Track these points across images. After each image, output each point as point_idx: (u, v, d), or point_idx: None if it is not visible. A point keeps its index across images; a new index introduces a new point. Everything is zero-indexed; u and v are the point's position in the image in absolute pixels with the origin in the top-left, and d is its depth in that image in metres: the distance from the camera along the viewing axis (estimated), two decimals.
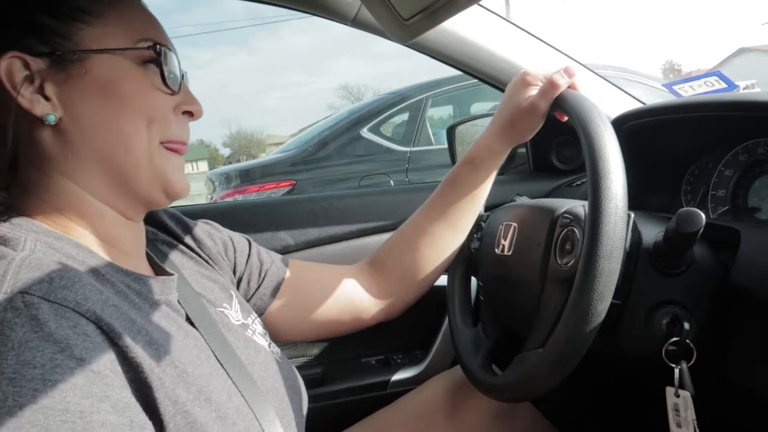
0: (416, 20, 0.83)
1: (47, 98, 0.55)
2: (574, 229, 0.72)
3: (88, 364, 0.42)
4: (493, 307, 0.90)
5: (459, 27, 1.00)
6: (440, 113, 4.57)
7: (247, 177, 3.82)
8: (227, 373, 0.57)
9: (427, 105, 3.91)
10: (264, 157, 5.62)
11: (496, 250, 0.86)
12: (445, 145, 4.15)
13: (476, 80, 3.46)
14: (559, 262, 0.72)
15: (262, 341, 0.71)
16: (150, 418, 0.46)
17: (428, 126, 3.90)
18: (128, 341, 0.46)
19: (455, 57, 1.02)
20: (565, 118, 0.79)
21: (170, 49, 0.61)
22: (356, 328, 0.90)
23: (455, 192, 0.88)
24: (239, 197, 3.61)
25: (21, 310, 0.41)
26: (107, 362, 0.44)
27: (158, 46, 0.59)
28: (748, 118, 0.86)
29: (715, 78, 1.06)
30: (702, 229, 0.66)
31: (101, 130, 0.56)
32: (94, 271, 0.52)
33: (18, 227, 0.52)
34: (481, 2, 0.96)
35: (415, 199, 1.31)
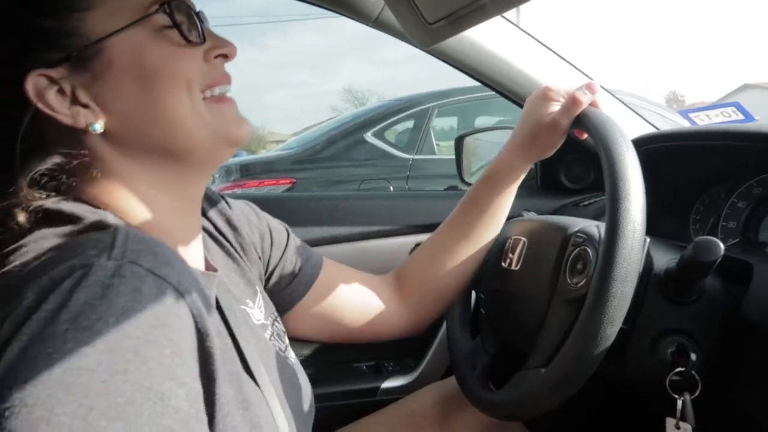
0: (440, 25, 0.82)
1: (84, 105, 0.52)
2: (588, 249, 0.70)
3: (177, 345, 0.42)
4: (495, 322, 0.88)
5: (479, 35, 0.99)
6: (444, 124, 4.57)
7: (246, 171, 3.80)
8: (254, 380, 0.56)
9: (433, 114, 3.91)
10: (265, 153, 5.60)
11: (503, 263, 0.85)
12: (448, 156, 4.15)
13: (483, 94, 3.46)
14: (569, 282, 0.70)
15: (280, 344, 0.69)
16: (207, 413, 0.45)
17: (432, 135, 3.90)
18: (209, 328, 0.45)
19: (473, 65, 1.01)
20: (585, 136, 0.78)
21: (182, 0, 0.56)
22: (376, 339, 0.89)
23: (476, 209, 0.87)
24: (238, 191, 3.59)
25: (127, 278, 0.41)
26: (191, 347, 0.43)
27: (166, 5, 0.54)
28: (765, 150, 0.85)
29: (733, 109, 1.05)
30: (719, 260, 0.64)
31: (145, 116, 0.53)
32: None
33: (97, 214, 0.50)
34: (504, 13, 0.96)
35: (418, 207, 1.31)
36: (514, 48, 1.02)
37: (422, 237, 1.24)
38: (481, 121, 4.80)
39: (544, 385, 0.66)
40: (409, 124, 3.97)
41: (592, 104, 0.77)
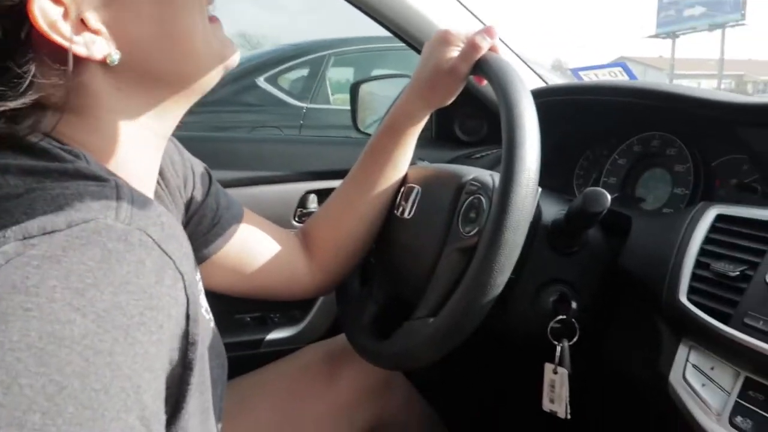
0: None
1: (94, 32, 0.43)
2: (481, 197, 0.69)
3: (164, 333, 0.37)
4: (384, 272, 0.86)
5: None
6: (341, 75, 4.46)
7: None
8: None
9: (329, 63, 3.80)
10: None
11: (395, 212, 0.83)
12: (343, 106, 4.10)
13: (380, 45, 3.42)
14: (462, 230, 0.69)
15: (203, 303, 0.62)
16: (174, 405, 0.40)
17: (328, 85, 3.80)
18: (197, 313, 0.40)
19: (372, 5, 0.95)
20: (484, 83, 0.77)
21: None
22: (288, 298, 0.84)
23: (376, 162, 0.83)
24: None
25: (135, 247, 0.36)
26: (178, 337, 0.39)
27: None
28: (648, 108, 0.88)
29: (619, 69, 1.08)
30: (605, 211, 0.66)
31: (161, 42, 0.47)
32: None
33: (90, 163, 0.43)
34: None
35: (310, 153, 1.25)
36: None
37: (314, 184, 1.19)
38: (378, 73, 4.75)
39: (431, 334, 0.65)
40: (304, 71, 3.83)
41: (492, 49, 0.75)
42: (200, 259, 0.73)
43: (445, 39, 0.77)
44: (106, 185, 0.40)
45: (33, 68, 0.42)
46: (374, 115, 1.70)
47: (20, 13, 0.40)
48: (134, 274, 0.36)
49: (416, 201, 0.79)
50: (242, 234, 0.77)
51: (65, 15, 0.42)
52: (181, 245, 0.41)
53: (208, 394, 0.48)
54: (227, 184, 1.14)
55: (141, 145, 0.51)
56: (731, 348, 0.53)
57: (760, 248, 0.57)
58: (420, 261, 0.76)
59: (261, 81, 3.61)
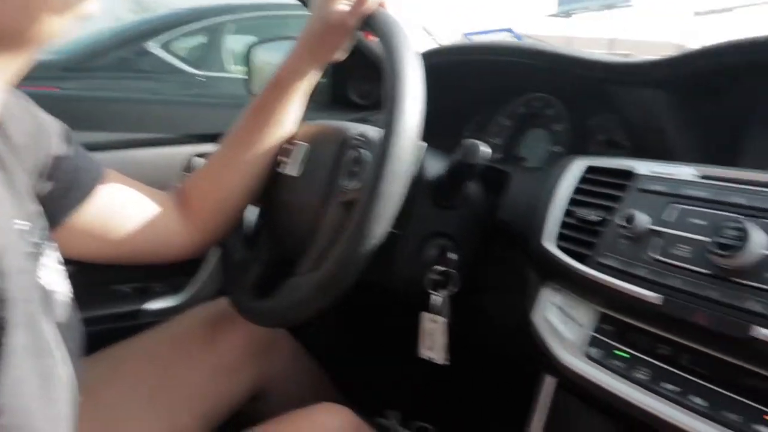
0: None
1: None
2: (363, 150, 0.69)
3: None
4: (269, 232, 0.85)
5: None
6: (240, 43, 4.31)
7: None
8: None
9: (227, 29, 3.64)
10: None
11: (279, 170, 0.81)
12: (242, 75, 3.94)
13: (280, 12, 3.28)
14: (344, 185, 0.69)
15: (56, 278, 0.56)
16: None
17: (226, 52, 3.65)
18: (6, 267, 0.37)
19: None
20: (373, 39, 0.76)
21: None
22: (159, 261, 0.79)
23: (260, 119, 0.80)
24: None
25: None
26: None
27: None
28: (530, 69, 0.91)
29: (508, 33, 1.11)
30: (483, 163, 0.68)
31: None
32: None
33: None
34: None
35: (197, 114, 1.20)
36: None
37: (201, 148, 1.14)
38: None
39: (311, 288, 0.65)
40: (202, 39, 3.65)
41: (380, 5, 0.75)
42: (56, 223, 0.67)
43: None
44: None
45: None
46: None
47: None
48: None
49: (302, 158, 0.78)
50: (103, 196, 0.72)
51: None
52: None
53: (49, 360, 0.45)
54: (107, 146, 1.08)
55: None
56: (588, 286, 0.57)
57: (618, 194, 0.61)
58: (303, 218, 0.75)
59: (153, 46, 3.40)
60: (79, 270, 1.06)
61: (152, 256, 0.79)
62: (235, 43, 3.91)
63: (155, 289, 1.13)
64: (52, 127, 0.68)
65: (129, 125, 1.10)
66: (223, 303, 0.88)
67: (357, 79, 1.30)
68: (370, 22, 0.74)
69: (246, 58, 1.49)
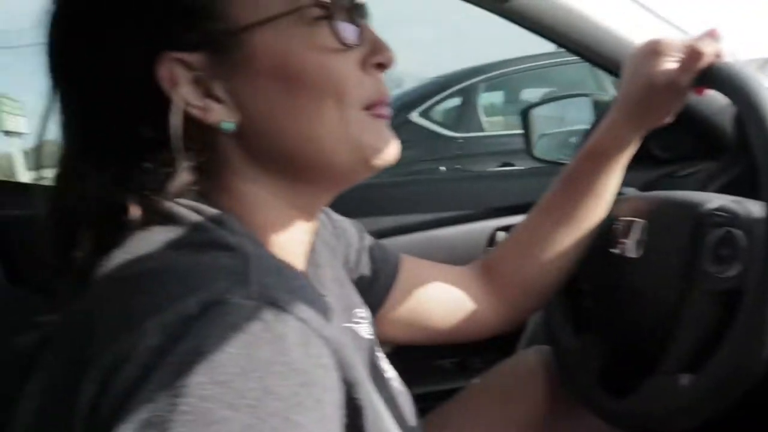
0: None
1: (218, 99, 0.45)
2: (734, 230, 0.59)
3: (324, 407, 0.35)
4: (607, 317, 0.78)
5: None
6: (490, 99, 4.42)
7: None
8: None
9: (479, 90, 3.76)
10: None
11: (613, 250, 0.74)
12: (498, 132, 4.00)
13: (528, 65, 3.30)
14: (715, 271, 0.59)
15: (384, 363, 0.60)
16: None
17: (481, 111, 3.75)
18: (356, 377, 0.39)
19: (551, 25, 0.88)
20: (706, 93, 0.68)
21: None
22: (473, 337, 0.80)
23: (578, 189, 0.75)
24: None
25: (269, 324, 0.35)
26: (336, 405, 0.37)
27: None
28: None
29: None
30: None
31: (281, 122, 0.46)
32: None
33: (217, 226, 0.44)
34: None
35: (495, 187, 1.20)
36: (598, 3, 0.89)
37: (503, 221, 1.14)
38: (528, 94, 4.63)
39: (692, 393, 0.56)
40: (456, 101, 3.83)
41: (717, 55, 0.66)
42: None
43: (655, 50, 0.69)
44: (234, 255, 0.39)
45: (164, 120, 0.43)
46: (549, 139, 1.61)
47: (153, 72, 0.43)
48: (277, 352, 0.34)
49: (641, 237, 0.70)
50: (406, 282, 0.74)
51: (194, 80, 0.44)
52: (319, 308, 0.39)
53: None
54: (412, 228, 1.13)
55: (281, 217, 0.50)
56: None
57: None
58: (655, 307, 0.67)
59: (414, 116, 3.66)
60: (398, 348, 1.12)
61: (463, 333, 0.79)
62: (485, 99, 4.02)
63: (475, 365, 1.13)
64: (345, 223, 0.72)
65: (429, 205, 1.15)
66: (530, 356, 0.86)
67: (657, 129, 1.18)
68: (712, 77, 0.65)
69: (522, 122, 1.48)
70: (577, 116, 1.89)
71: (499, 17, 0.92)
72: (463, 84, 3.76)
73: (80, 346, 0.38)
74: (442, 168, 3.47)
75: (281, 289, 0.38)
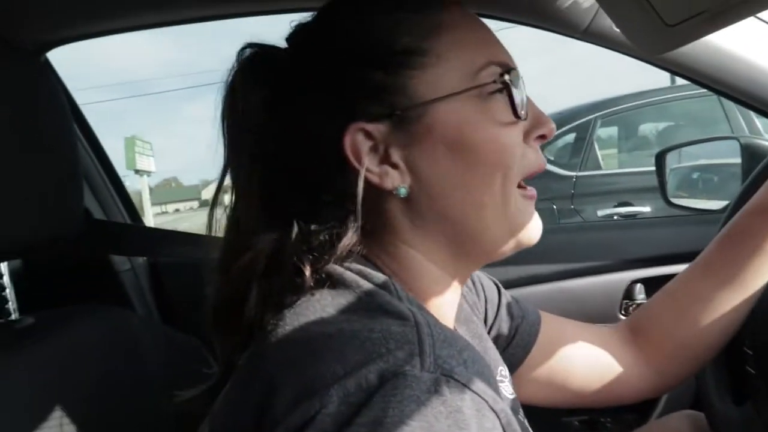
0: (685, 27, 0.68)
1: (394, 166, 0.48)
2: None
3: None
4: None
5: (717, 35, 0.83)
6: (604, 133, 4.26)
7: None
8: None
9: (596, 126, 3.63)
10: None
11: None
12: (614, 170, 3.83)
13: (645, 100, 3.15)
14: None
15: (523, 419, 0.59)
16: None
17: (597, 149, 3.62)
18: None
19: (711, 73, 0.84)
20: None
21: (514, 67, 0.51)
22: (616, 402, 0.76)
23: (744, 248, 0.70)
24: None
25: (446, 397, 0.36)
26: None
27: (504, 72, 0.49)
28: None
29: None
30: None
31: (452, 192, 0.49)
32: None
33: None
34: None
35: (630, 236, 1.14)
36: (762, 47, 0.83)
37: (639, 273, 1.08)
38: (645, 128, 4.42)
39: None
40: (569, 138, 3.73)
41: None
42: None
43: None
44: (407, 324, 0.40)
45: (343, 184, 0.47)
46: (673, 177, 1.52)
47: (339, 139, 0.47)
48: (455, 425, 0.35)
49: None
50: (545, 341, 0.72)
51: (374, 148, 0.47)
52: (488, 380, 0.40)
53: None
54: (542, 279, 1.10)
55: (435, 281, 0.52)
56: None
57: None
58: None
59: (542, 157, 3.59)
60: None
61: (605, 398, 0.74)
62: (600, 133, 3.89)
63: (606, 424, 1.06)
64: (485, 281, 0.72)
65: (563, 255, 1.11)
66: (681, 422, 0.81)
67: None
68: None
69: (656, 166, 1.41)
70: (698, 150, 1.78)
71: (647, 64, 0.88)
72: (578, 121, 3.66)
73: (260, 405, 0.40)
74: (554, 207, 3.36)
75: (455, 360, 0.38)
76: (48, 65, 0.98)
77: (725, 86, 0.87)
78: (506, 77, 0.48)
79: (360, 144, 0.47)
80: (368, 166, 0.47)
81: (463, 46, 0.49)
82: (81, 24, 0.91)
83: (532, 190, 0.52)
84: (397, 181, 0.48)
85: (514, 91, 0.49)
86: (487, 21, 0.54)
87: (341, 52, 0.49)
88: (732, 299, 0.70)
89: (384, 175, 0.48)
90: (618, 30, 0.78)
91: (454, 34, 0.49)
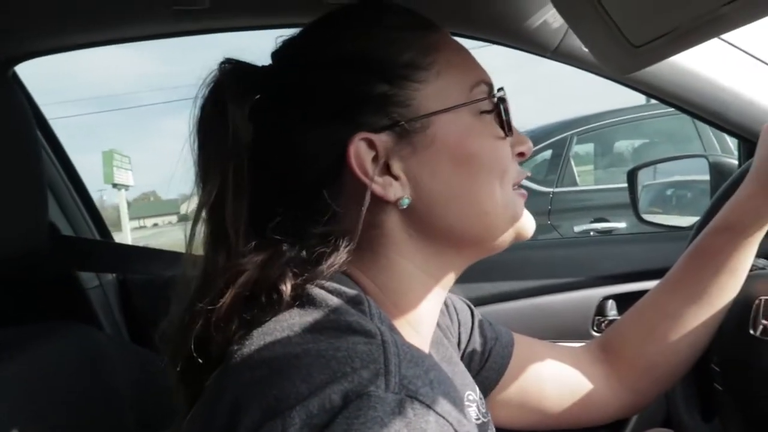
0: (650, 48, 0.70)
1: (395, 177, 0.49)
2: None
3: None
4: (742, 403, 0.71)
5: (684, 56, 0.85)
6: (581, 149, 4.32)
7: None
8: None
9: (573, 143, 3.69)
10: None
11: (752, 331, 0.68)
12: (590, 186, 3.86)
13: (621, 118, 3.21)
14: None
15: None
16: None
17: (573, 165, 3.67)
18: None
19: (679, 93, 0.86)
20: None
21: (502, 89, 0.53)
22: (591, 422, 0.75)
23: (711, 266, 0.71)
24: None
25: (410, 420, 0.35)
26: None
27: (491, 90, 0.52)
28: None
29: None
30: None
31: (453, 199, 0.50)
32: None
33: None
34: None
35: (602, 253, 1.15)
36: (727, 68, 0.85)
37: (611, 289, 1.09)
38: (620, 145, 4.49)
39: None
40: (546, 155, 3.77)
41: None
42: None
43: None
44: (373, 342, 0.40)
45: (340, 198, 0.48)
46: (646, 193, 1.54)
47: (340, 149, 0.48)
48: None
49: None
50: (518, 363, 0.71)
51: (375, 159, 0.48)
52: (455, 401, 0.39)
53: None
54: (516, 295, 1.10)
55: (423, 293, 0.52)
56: None
57: None
58: None
59: (522, 170, 3.62)
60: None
61: (575, 419, 0.74)
62: (577, 153, 3.94)
63: None
64: (458, 303, 0.72)
65: (536, 272, 1.11)
66: None
67: None
68: None
69: (628, 184, 1.42)
70: (671, 167, 1.81)
71: (612, 87, 0.90)
72: (555, 138, 3.70)
73: (226, 425, 0.39)
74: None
75: (420, 381, 0.38)
76: (15, 79, 0.96)
77: (691, 105, 0.89)
78: (500, 94, 0.52)
79: (363, 154, 0.48)
80: (372, 176, 0.48)
81: (456, 65, 0.52)
82: (49, 38, 0.90)
83: (523, 190, 0.55)
84: (399, 192, 0.49)
85: (504, 109, 0.51)
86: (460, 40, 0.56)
87: (344, 63, 0.49)
88: (699, 316, 0.71)
89: (387, 185, 0.48)
90: (587, 50, 0.79)
91: (449, 53, 0.51)
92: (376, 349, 0.39)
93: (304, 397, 0.36)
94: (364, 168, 0.48)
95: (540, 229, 3.43)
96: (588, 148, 4.32)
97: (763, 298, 0.68)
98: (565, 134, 3.69)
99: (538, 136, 3.71)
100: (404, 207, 0.49)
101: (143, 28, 0.91)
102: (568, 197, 3.56)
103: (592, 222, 3.31)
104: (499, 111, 0.51)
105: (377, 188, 0.48)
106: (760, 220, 0.68)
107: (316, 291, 0.45)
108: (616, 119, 3.85)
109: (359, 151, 0.48)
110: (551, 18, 0.83)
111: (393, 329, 0.46)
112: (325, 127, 0.49)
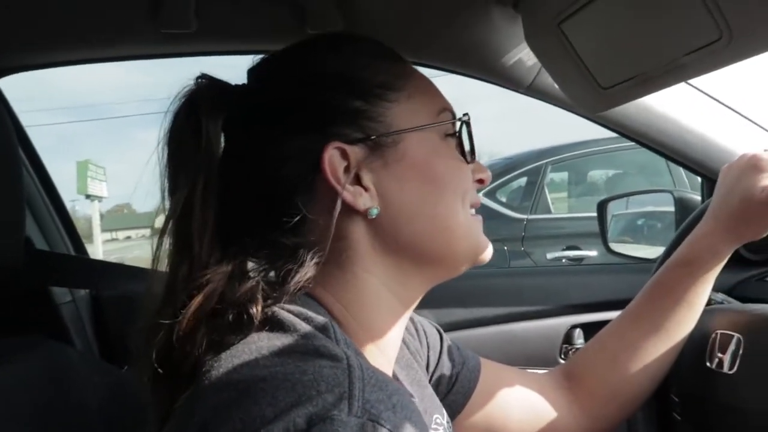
0: (617, 90, 0.73)
1: (365, 188, 0.51)
2: None
3: None
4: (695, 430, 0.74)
5: (651, 98, 0.89)
6: (555, 177, 4.41)
7: None
8: None
9: (546, 171, 3.76)
10: None
11: (708, 364, 0.71)
12: (564, 214, 3.91)
13: (595, 149, 3.27)
14: None
15: None
16: None
17: (547, 193, 3.73)
18: None
19: (645, 132, 0.90)
20: None
21: (466, 114, 0.57)
22: None
23: (668, 299, 0.74)
24: None
25: None
26: None
27: (456, 117, 0.56)
28: None
29: None
30: None
31: (419, 214, 0.53)
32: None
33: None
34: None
35: (572, 283, 1.18)
36: (691, 110, 0.90)
37: (578, 318, 1.11)
38: (594, 175, 4.59)
39: None
40: (521, 182, 3.84)
41: None
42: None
43: (755, 165, 0.69)
44: (339, 366, 0.41)
45: (311, 206, 0.50)
46: (616, 222, 1.58)
47: (315, 157, 0.50)
48: None
49: (739, 353, 0.68)
50: (485, 388, 0.73)
51: (347, 168, 0.50)
52: (417, 425, 0.40)
53: None
54: (486, 321, 1.12)
55: (387, 312, 0.54)
56: None
57: None
58: (755, 427, 0.63)
59: (479, 196, 3.67)
60: None
61: None
62: (552, 181, 4.01)
63: None
64: (427, 327, 0.73)
65: (505, 299, 1.14)
66: None
67: None
68: None
69: (598, 215, 1.47)
70: (643, 198, 1.87)
71: (586, 120, 0.94)
72: (529, 166, 3.77)
73: None
74: (505, 248, 3.43)
75: (383, 405, 0.39)
76: None
77: (657, 144, 0.93)
78: (465, 119, 0.56)
79: (336, 163, 0.50)
80: (343, 184, 0.50)
81: (425, 91, 0.56)
82: (39, 54, 0.90)
83: (479, 216, 0.58)
84: (368, 202, 0.51)
85: (466, 135, 0.56)
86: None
87: (323, 80, 0.53)
88: (658, 348, 0.74)
89: (357, 195, 0.51)
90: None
91: (417, 81, 0.56)
92: (342, 373, 0.40)
93: (269, 420, 0.37)
94: (336, 175, 0.50)
95: (513, 255, 3.50)
96: (563, 175, 4.41)
97: (719, 331, 0.71)
98: (539, 162, 3.76)
99: (514, 163, 3.78)
100: (372, 217, 0.51)
101: (132, 49, 0.93)
102: (542, 224, 3.61)
103: (564, 249, 3.37)
104: (460, 138, 0.56)
105: (348, 196, 0.50)
106: (717, 256, 0.72)
107: (284, 314, 0.46)
108: (590, 150, 3.92)
109: (333, 159, 0.50)
110: (525, 56, 0.87)
111: (359, 353, 0.47)
112: (301, 136, 0.51)
